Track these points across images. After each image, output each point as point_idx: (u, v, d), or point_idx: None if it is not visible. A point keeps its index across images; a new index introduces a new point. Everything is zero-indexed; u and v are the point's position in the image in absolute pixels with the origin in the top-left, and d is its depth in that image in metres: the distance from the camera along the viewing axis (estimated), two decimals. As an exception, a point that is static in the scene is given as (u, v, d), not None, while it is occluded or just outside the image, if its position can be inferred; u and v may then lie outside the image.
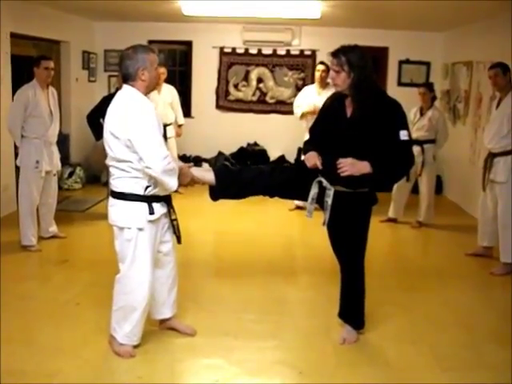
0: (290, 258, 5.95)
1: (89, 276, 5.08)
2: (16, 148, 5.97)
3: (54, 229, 6.13)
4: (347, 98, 3.66)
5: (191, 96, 10.08)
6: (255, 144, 9.92)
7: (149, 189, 3.42)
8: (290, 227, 7.27)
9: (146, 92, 3.48)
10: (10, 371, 3.34)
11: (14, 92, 6.00)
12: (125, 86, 3.44)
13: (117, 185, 3.48)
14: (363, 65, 3.55)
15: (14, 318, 4.09)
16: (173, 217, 3.66)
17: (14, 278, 4.87)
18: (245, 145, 9.80)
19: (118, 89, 7.02)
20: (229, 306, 4.49)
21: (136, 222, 3.45)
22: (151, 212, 3.46)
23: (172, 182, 3.42)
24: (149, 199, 3.45)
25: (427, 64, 9.76)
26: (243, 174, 3.90)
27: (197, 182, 3.76)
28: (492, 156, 5.50)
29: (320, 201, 3.77)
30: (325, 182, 3.69)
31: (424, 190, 7.09)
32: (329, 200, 3.68)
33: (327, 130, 3.76)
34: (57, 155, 5.97)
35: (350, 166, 3.52)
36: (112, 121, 3.39)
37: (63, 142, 8.06)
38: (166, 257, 3.76)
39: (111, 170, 3.52)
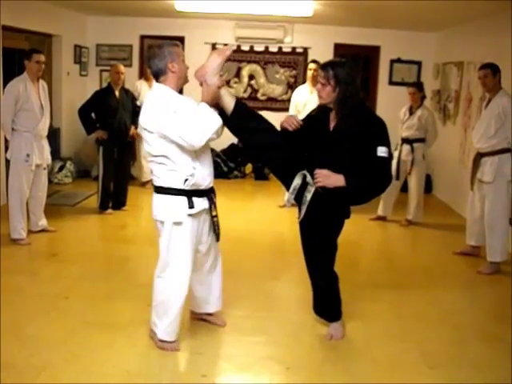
0: (278, 255, 5.96)
1: (78, 270, 5.09)
2: (6, 141, 5.96)
3: (43, 223, 6.12)
4: (332, 111, 3.70)
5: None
6: (246, 141, 9.93)
7: (187, 181, 3.42)
8: (280, 224, 7.29)
9: (179, 85, 3.54)
10: (-2, 364, 3.35)
11: (4, 85, 5.98)
12: (155, 85, 3.52)
13: (157, 179, 3.51)
14: (350, 81, 3.57)
15: (2, 311, 4.08)
16: (213, 213, 3.65)
17: (3, 271, 4.86)
18: (236, 141, 9.81)
19: (109, 83, 7.13)
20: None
21: (176, 215, 3.47)
22: (191, 206, 3.47)
23: (213, 127, 3.34)
24: (189, 193, 3.46)
25: (418, 63, 9.81)
26: (261, 121, 3.82)
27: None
28: (480, 156, 5.54)
29: (298, 196, 3.78)
30: (309, 177, 3.69)
31: (413, 188, 7.13)
32: (308, 195, 3.69)
33: (310, 140, 3.77)
34: (47, 149, 5.96)
35: (324, 178, 3.55)
36: (143, 118, 3.44)
37: (54, 135, 8.04)
38: (203, 257, 3.79)
39: (151, 165, 3.55)
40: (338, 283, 3.95)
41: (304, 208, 3.73)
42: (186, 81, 3.60)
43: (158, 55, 3.45)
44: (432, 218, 7.40)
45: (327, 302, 4.02)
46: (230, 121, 3.68)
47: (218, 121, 3.37)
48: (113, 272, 5.10)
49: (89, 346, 3.66)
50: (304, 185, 3.73)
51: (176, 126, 3.29)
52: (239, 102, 3.75)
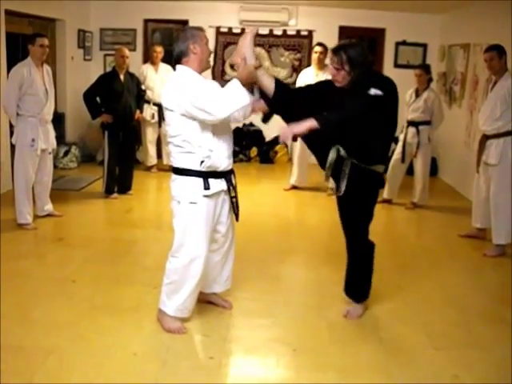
0: (284, 238, 5.97)
1: (84, 254, 5.10)
2: (11, 126, 5.96)
3: (49, 207, 6.13)
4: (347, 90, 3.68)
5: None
6: (251, 124, 9.92)
7: (203, 163, 3.45)
8: (286, 207, 7.30)
9: (200, 69, 3.55)
10: (7, 347, 3.37)
11: (8, 70, 5.97)
12: (177, 67, 3.55)
13: (174, 160, 3.56)
14: (363, 61, 3.57)
15: (10, 295, 4.11)
16: (232, 194, 3.69)
17: (10, 255, 4.88)
18: (240, 125, 9.80)
19: (114, 67, 7.11)
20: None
21: (191, 196, 3.51)
22: (206, 187, 3.50)
23: (240, 103, 3.36)
24: (205, 174, 3.49)
25: (424, 46, 9.75)
26: (301, 97, 3.84)
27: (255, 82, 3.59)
28: (486, 138, 5.53)
29: (334, 171, 3.77)
30: (342, 152, 3.69)
31: (419, 171, 7.11)
32: (346, 169, 3.69)
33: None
34: (52, 133, 5.95)
35: (288, 130, 3.47)
36: (166, 98, 3.49)
37: (58, 120, 8.03)
38: (223, 237, 3.82)
39: (170, 147, 3.59)
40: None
41: (344, 182, 3.72)
42: (208, 65, 3.63)
43: (181, 37, 3.51)
44: (437, 201, 7.39)
45: (363, 277, 4.00)
46: (273, 102, 3.68)
47: (246, 99, 3.37)
48: (119, 256, 5.12)
49: (96, 329, 3.69)
50: (339, 159, 3.71)
51: (202, 95, 3.32)
52: (279, 82, 3.72)
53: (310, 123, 3.39)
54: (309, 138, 3.90)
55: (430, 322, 4.03)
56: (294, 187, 7.80)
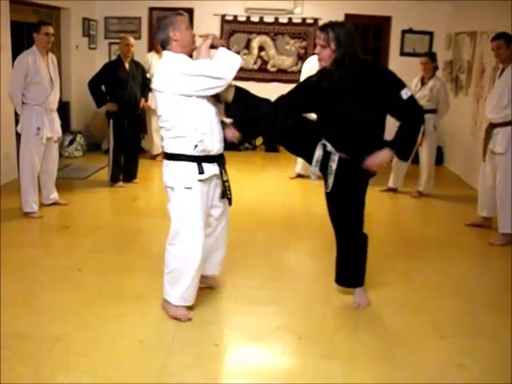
0: (290, 226, 5.96)
1: (90, 242, 5.12)
2: (17, 115, 5.96)
3: (55, 196, 6.15)
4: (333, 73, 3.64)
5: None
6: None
7: (197, 147, 3.47)
8: (291, 195, 7.29)
9: (185, 53, 3.57)
10: (14, 334, 3.39)
11: (13, 59, 5.96)
12: (164, 53, 3.59)
13: (167, 146, 3.57)
14: (350, 42, 3.53)
15: (16, 283, 4.13)
16: (224, 178, 3.70)
17: (15, 244, 4.91)
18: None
19: (119, 56, 7.09)
20: (229, 272, 4.51)
21: (185, 181, 3.52)
22: (201, 171, 3.51)
23: (237, 62, 3.50)
24: (198, 159, 3.50)
25: (430, 34, 9.70)
26: (259, 109, 3.78)
27: None
28: (492, 126, 5.50)
29: (322, 166, 3.78)
30: (329, 147, 3.69)
31: (424, 160, 7.09)
32: (333, 165, 3.69)
33: (322, 105, 3.74)
34: (57, 122, 5.96)
35: (375, 164, 3.61)
36: (156, 81, 3.52)
37: (63, 109, 8.03)
38: (216, 221, 3.83)
39: (161, 133, 3.61)
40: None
41: (331, 178, 3.73)
42: (192, 48, 3.64)
43: (161, 26, 3.55)
44: (443, 190, 7.37)
45: (357, 265, 3.99)
46: (232, 111, 3.71)
47: (239, 58, 3.53)
48: (125, 244, 5.13)
49: (102, 317, 3.70)
50: (326, 155, 3.72)
51: (204, 64, 3.41)
52: (239, 91, 3.70)
53: (390, 156, 3.63)
54: (290, 143, 3.94)
55: (436, 310, 4.02)
56: (300, 176, 7.79)
